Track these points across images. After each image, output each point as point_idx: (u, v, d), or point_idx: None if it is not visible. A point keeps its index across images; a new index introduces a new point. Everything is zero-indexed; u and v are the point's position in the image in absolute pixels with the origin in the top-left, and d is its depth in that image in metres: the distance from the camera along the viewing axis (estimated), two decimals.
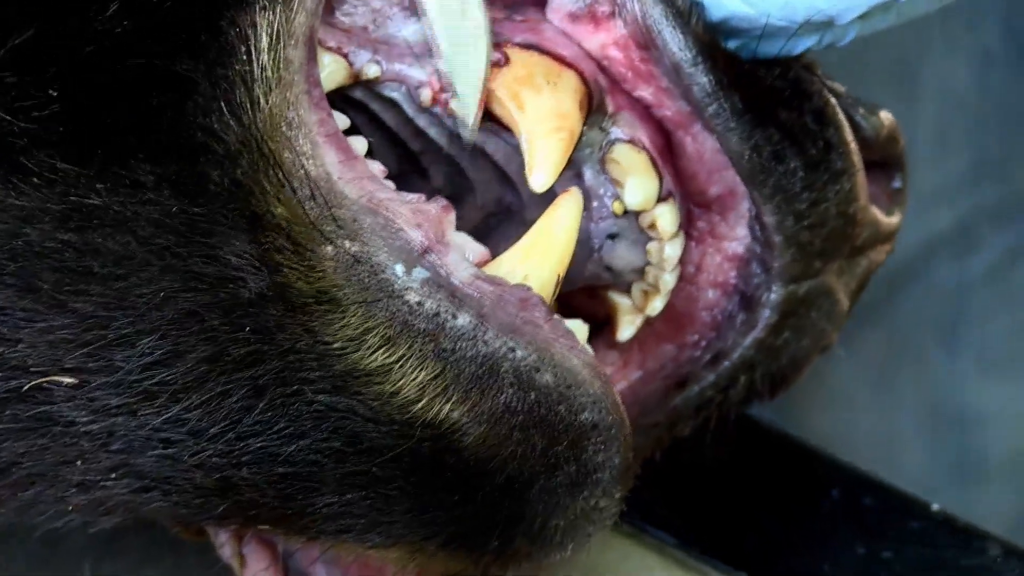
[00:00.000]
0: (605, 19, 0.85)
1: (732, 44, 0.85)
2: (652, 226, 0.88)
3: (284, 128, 0.75)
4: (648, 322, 0.92)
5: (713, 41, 0.83)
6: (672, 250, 0.88)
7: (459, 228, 0.80)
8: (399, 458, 0.74)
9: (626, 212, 0.88)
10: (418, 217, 0.77)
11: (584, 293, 0.93)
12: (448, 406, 0.74)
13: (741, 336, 0.91)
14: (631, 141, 0.86)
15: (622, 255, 0.89)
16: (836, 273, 0.92)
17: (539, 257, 0.81)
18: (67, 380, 0.72)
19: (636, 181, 0.86)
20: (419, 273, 0.75)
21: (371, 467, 0.74)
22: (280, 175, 0.73)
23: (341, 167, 0.77)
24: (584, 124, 0.85)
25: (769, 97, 0.85)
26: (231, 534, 0.88)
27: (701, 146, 0.88)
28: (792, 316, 0.91)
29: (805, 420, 1.21)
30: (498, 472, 0.75)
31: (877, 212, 0.93)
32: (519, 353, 0.76)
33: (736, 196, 0.89)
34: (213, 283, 0.71)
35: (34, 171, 0.70)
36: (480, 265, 0.79)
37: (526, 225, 0.83)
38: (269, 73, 0.75)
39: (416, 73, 0.85)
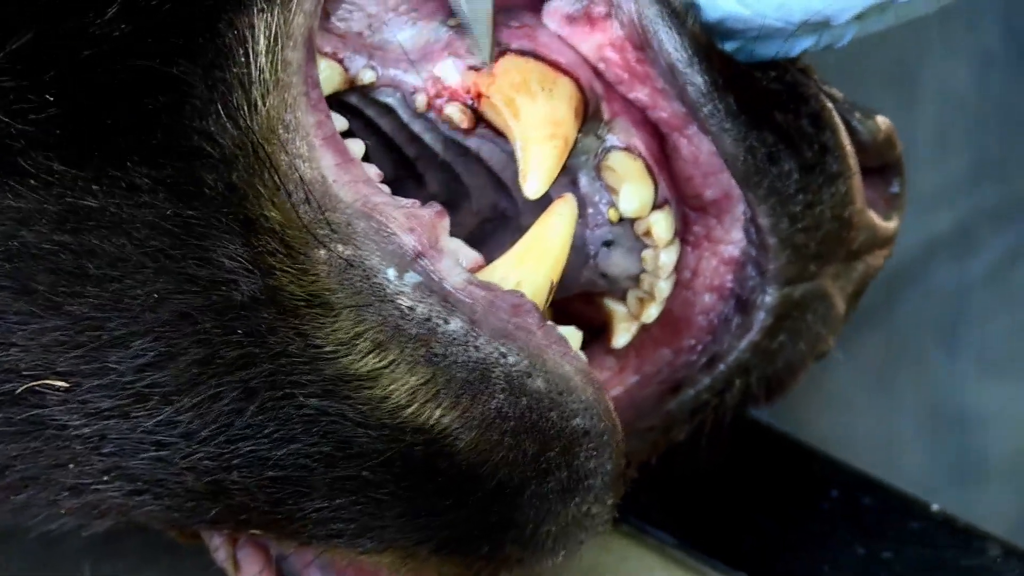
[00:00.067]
0: (601, 20, 0.85)
1: (729, 46, 0.85)
2: (647, 233, 0.88)
3: (281, 130, 0.75)
4: (644, 328, 0.91)
5: (709, 42, 0.83)
6: (667, 257, 0.88)
7: (454, 234, 0.80)
8: (390, 463, 0.74)
9: (621, 219, 0.88)
10: (412, 222, 0.77)
11: (581, 299, 0.93)
12: (439, 411, 0.74)
13: (736, 339, 0.91)
14: (627, 148, 0.86)
15: (617, 262, 0.90)
16: (832, 277, 0.92)
17: (533, 263, 0.81)
18: (60, 384, 0.72)
19: (631, 188, 0.86)
20: (411, 278, 0.75)
21: (361, 472, 0.74)
22: (275, 179, 0.73)
23: (337, 170, 0.77)
24: (579, 131, 0.85)
25: (765, 99, 0.85)
26: (225, 538, 0.88)
27: (697, 148, 0.88)
28: (787, 319, 0.91)
29: (804, 422, 1.20)
30: (489, 477, 0.75)
31: (874, 216, 0.93)
32: (511, 359, 0.75)
33: (731, 199, 0.89)
34: (206, 285, 0.72)
35: (31, 173, 0.70)
36: (474, 271, 0.79)
37: (521, 231, 0.83)
38: (267, 75, 0.75)
39: (411, 79, 0.85)
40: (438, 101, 0.84)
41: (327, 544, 0.78)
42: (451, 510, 0.76)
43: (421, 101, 0.85)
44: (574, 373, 0.78)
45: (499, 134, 0.85)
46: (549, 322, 0.79)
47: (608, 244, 0.89)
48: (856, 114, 0.91)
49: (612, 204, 0.88)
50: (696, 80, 0.83)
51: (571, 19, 0.85)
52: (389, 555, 0.78)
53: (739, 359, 0.91)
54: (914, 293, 1.40)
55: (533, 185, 0.82)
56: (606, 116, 0.86)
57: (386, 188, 0.79)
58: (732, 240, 0.90)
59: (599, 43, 0.85)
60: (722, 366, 0.92)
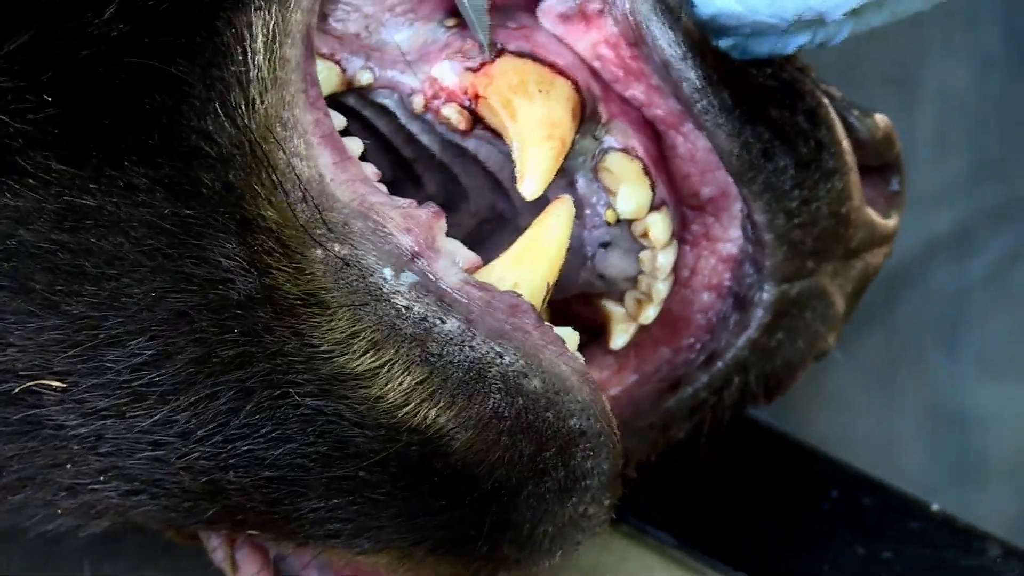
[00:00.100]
0: (596, 17, 0.85)
1: (723, 43, 0.84)
2: (645, 235, 0.88)
3: (279, 128, 0.75)
4: (643, 327, 0.91)
5: (703, 38, 0.83)
6: (665, 259, 0.88)
7: (452, 235, 0.80)
8: (386, 463, 0.74)
9: (619, 221, 0.88)
10: (408, 222, 0.77)
11: (579, 300, 0.93)
12: (435, 411, 0.74)
13: (734, 337, 0.91)
14: (624, 150, 0.86)
15: (615, 263, 0.90)
16: (831, 275, 0.92)
17: (530, 264, 0.81)
18: (56, 384, 0.72)
19: (629, 190, 0.86)
20: (408, 277, 0.75)
21: (358, 472, 0.74)
22: (273, 178, 0.73)
23: (335, 168, 0.77)
24: (577, 132, 0.85)
25: (760, 95, 0.85)
26: (223, 538, 0.88)
27: (693, 145, 0.88)
28: (785, 317, 0.91)
29: (804, 422, 1.20)
30: (486, 478, 0.75)
31: (873, 214, 0.93)
32: (507, 359, 0.76)
33: (729, 197, 0.89)
34: (203, 284, 0.72)
35: (29, 172, 0.70)
36: (470, 271, 0.79)
37: (519, 232, 0.83)
38: (265, 73, 0.75)
39: (408, 80, 0.85)
40: (435, 102, 0.84)
41: (324, 544, 0.78)
42: (447, 510, 0.76)
43: (418, 102, 0.85)
44: (570, 373, 0.78)
45: (497, 135, 0.84)
46: (546, 322, 0.79)
47: (605, 245, 0.89)
48: (854, 112, 0.91)
49: (609, 205, 0.88)
50: (690, 76, 0.83)
51: (565, 17, 0.86)
52: (386, 555, 0.78)
53: (737, 357, 0.91)
54: (914, 293, 1.40)
55: (530, 186, 0.82)
56: (604, 117, 0.86)
57: (383, 187, 0.79)
58: (730, 238, 0.90)
59: (594, 41, 0.85)
60: (720, 364, 0.92)
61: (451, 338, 0.74)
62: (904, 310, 1.38)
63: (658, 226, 0.87)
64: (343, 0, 0.86)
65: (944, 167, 1.41)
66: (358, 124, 0.88)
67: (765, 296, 0.89)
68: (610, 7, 0.84)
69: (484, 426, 0.75)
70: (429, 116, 0.85)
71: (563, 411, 0.77)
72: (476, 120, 0.84)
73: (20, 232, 0.71)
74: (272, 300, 0.72)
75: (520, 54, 0.84)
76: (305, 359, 0.73)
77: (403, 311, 0.74)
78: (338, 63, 0.84)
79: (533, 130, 0.82)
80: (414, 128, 0.88)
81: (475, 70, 0.84)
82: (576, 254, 0.89)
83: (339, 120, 0.80)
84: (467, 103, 0.84)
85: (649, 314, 0.90)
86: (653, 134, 0.88)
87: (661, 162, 0.88)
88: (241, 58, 0.74)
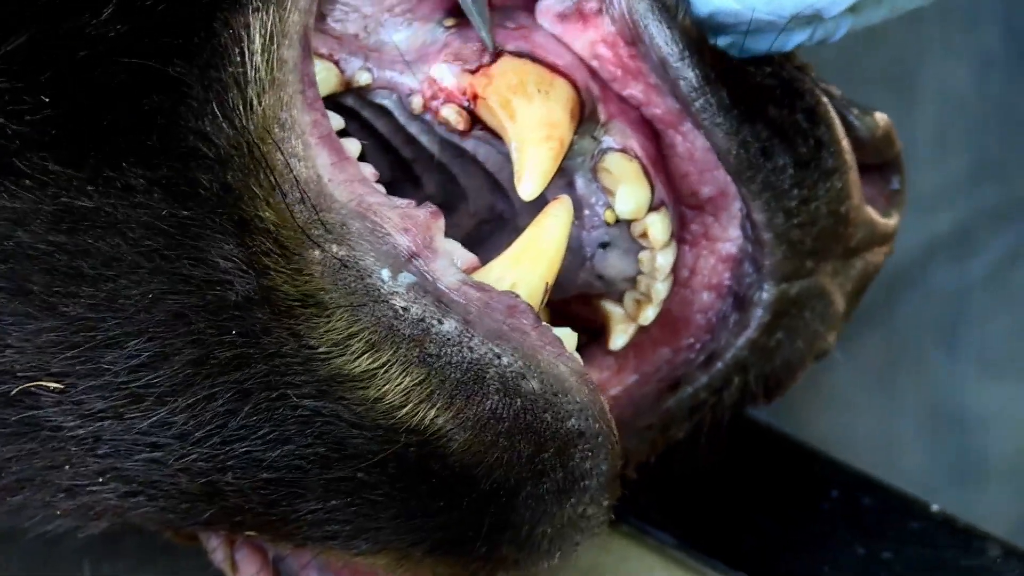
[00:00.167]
0: (593, 16, 0.85)
1: (722, 41, 0.84)
2: (644, 235, 0.88)
3: (276, 129, 0.75)
4: (643, 328, 0.91)
5: (701, 36, 0.83)
6: (664, 259, 0.88)
7: (451, 235, 0.80)
8: (384, 464, 0.74)
9: (618, 221, 0.88)
10: (406, 222, 0.77)
11: (579, 301, 0.93)
12: (433, 412, 0.74)
13: (734, 336, 0.91)
14: (623, 150, 0.86)
15: (614, 264, 0.90)
16: (830, 274, 0.92)
17: (528, 264, 0.81)
18: (53, 385, 0.72)
19: (627, 190, 0.86)
20: (405, 278, 0.75)
21: (356, 473, 0.74)
22: (271, 178, 0.73)
23: (332, 169, 0.77)
24: (576, 133, 0.85)
25: (758, 93, 0.85)
26: (222, 539, 0.88)
27: (692, 145, 0.87)
28: (785, 316, 0.91)
29: (805, 422, 1.20)
30: (484, 479, 0.75)
31: (873, 213, 0.93)
32: (505, 360, 0.75)
33: (728, 196, 0.89)
34: (200, 285, 0.72)
35: (27, 173, 0.70)
36: (469, 272, 0.79)
37: (518, 232, 0.83)
38: (263, 74, 0.75)
39: (407, 80, 0.85)
40: (434, 103, 0.84)
41: (322, 546, 0.78)
42: (446, 511, 0.76)
43: (417, 103, 0.85)
44: (569, 374, 0.78)
45: (496, 136, 0.84)
46: (544, 323, 0.79)
47: (604, 246, 0.89)
48: (854, 110, 0.91)
49: (608, 206, 0.88)
50: (687, 74, 0.83)
51: (563, 17, 0.85)
52: (384, 556, 0.78)
53: (737, 357, 0.91)
54: (914, 294, 1.39)
55: (528, 187, 0.82)
56: (603, 118, 0.86)
57: (381, 188, 0.79)
58: (730, 237, 0.90)
59: (592, 40, 0.85)
60: (720, 364, 0.92)
61: (449, 339, 0.74)
62: (904, 310, 1.38)
63: (657, 226, 0.87)
64: (341, 0, 0.86)
65: (944, 167, 1.41)
66: (357, 124, 0.88)
67: (764, 296, 0.89)
68: (607, 6, 0.84)
69: (482, 427, 0.75)
70: (428, 116, 0.85)
71: (561, 412, 0.77)
72: (475, 120, 0.84)
73: (17, 233, 0.71)
74: (270, 301, 0.72)
75: (519, 54, 0.84)
76: (303, 360, 0.73)
77: (401, 312, 0.74)
78: (337, 63, 0.84)
79: (532, 130, 0.82)
80: (413, 128, 0.88)
81: (474, 71, 0.84)
82: (575, 255, 0.89)
83: (337, 121, 0.80)
84: (466, 103, 0.84)
85: (648, 314, 0.90)
86: (652, 133, 0.87)
87: (660, 161, 0.88)
88: (239, 59, 0.74)
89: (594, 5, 0.85)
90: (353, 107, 0.87)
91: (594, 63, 0.86)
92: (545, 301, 0.81)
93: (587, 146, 0.87)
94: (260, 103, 0.74)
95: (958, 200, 1.42)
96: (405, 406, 0.74)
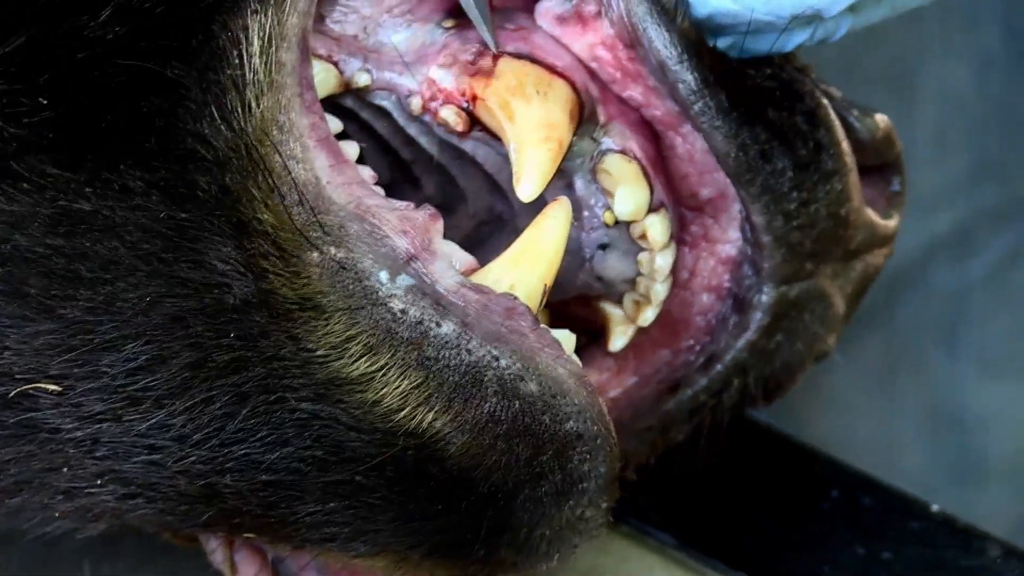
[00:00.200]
0: (592, 19, 0.85)
1: (721, 43, 0.84)
2: (643, 236, 0.88)
3: (275, 132, 0.75)
4: (642, 329, 0.91)
5: (699, 38, 0.83)
6: (663, 260, 0.88)
7: (450, 237, 0.80)
8: (382, 467, 0.74)
9: (617, 222, 0.88)
10: (405, 224, 0.77)
11: (578, 302, 0.93)
12: (431, 415, 0.74)
13: (733, 339, 0.91)
14: (622, 151, 0.86)
15: (613, 265, 0.89)
16: (830, 276, 0.92)
17: (526, 266, 0.81)
18: (52, 388, 0.72)
19: (627, 191, 0.86)
20: (403, 280, 0.74)
21: (354, 476, 0.74)
22: (269, 181, 0.73)
23: (331, 171, 0.77)
24: (575, 134, 0.85)
25: (758, 96, 0.85)
26: (222, 541, 0.88)
27: (691, 146, 0.87)
28: (784, 318, 0.91)
29: (805, 423, 1.20)
30: (482, 481, 0.75)
31: (873, 215, 0.93)
32: (503, 362, 0.75)
33: (727, 198, 0.89)
34: (199, 288, 0.72)
35: (24, 176, 0.70)
36: (467, 273, 0.78)
37: (518, 234, 0.83)
38: (261, 77, 0.75)
39: (406, 82, 0.85)
40: (433, 104, 0.84)
41: (321, 548, 0.78)
42: (444, 514, 0.76)
43: (416, 104, 0.85)
44: (567, 376, 0.78)
45: (495, 137, 0.84)
46: (543, 325, 0.79)
47: (604, 247, 0.89)
48: (854, 112, 0.91)
49: (608, 207, 0.87)
50: (686, 77, 0.83)
51: (562, 19, 0.85)
52: (383, 559, 0.78)
53: (736, 359, 0.91)
54: (914, 294, 1.39)
55: (527, 188, 0.82)
56: (602, 119, 0.86)
57: (380, 190, 0.79)
58: (729, 239, 0.90)
59: (591, 42, 0.85)
60: (719, 366, 0.92)
61: (447, 341, 0.74)
62: (904, 311, 1.38)
63: (656, 228, 0.87)
64: (341, 1, 0.86)
65: (944, 167, 1.41)
66: (356, 126, 0.88)
67: (764, 298, 0.89)
68: (606, 8, 0.84)
69: (480, 430, 0.75)
70: (427, 117, 0.85)
71: (560, 414, 0.76)
72: (474, 122, 0.84)
73: (15, 237, 0.71)
74: (268, 304, 0.72)
75: (518, 56, 0.84)
76: (301, 363, 0.73)
77: (399, 315, 0.74)
78: (335, 64, 0.84)
79: (531, 132, 0.82)
80: (412, 129, 0.88)
81: (473, 72, 0.84)
82: (574, 256, 0.89)
83: (335, 124, 0.81)
84: (465, 105, 0.84)
85: (648, 316, 0.90)
86: (651, 135, 0.87)
87: (659, 163, 0.88)
88: (237, 61, 0.74)
89: (593, 7, 0.85)
90: (352, 108, 0.87)
91: (593, 65, 0.86)
92: (544, 303, 0.81)
93: (586, 147, 0.86)
94: (258, 105, 0.74)
95: (958, 200, 1.41)
96: (403, 409, 0.73)
